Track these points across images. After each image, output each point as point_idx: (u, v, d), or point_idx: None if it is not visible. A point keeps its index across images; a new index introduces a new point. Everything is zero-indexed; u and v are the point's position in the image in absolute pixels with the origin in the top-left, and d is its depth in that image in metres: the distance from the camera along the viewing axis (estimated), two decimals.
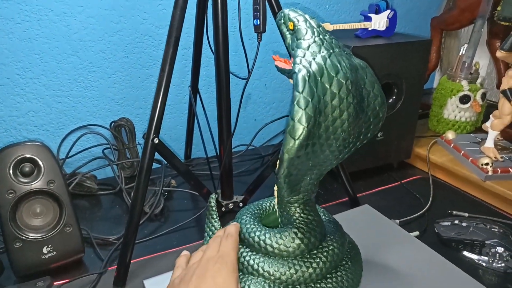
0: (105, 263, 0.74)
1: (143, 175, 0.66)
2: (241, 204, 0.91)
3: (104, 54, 0.98)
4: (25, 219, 0.68)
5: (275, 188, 0.59)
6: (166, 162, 0.95)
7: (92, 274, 0.71)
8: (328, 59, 0.48)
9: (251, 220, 0.61)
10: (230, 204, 0.90)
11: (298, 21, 0.49)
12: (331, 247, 0.58)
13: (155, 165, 0.80)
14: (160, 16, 1.01)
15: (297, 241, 0.55)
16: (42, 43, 0.92)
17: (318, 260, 0.56)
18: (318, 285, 0.55)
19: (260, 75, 1.21)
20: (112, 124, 1.02)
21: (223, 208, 0.89)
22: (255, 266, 0.55)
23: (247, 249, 0.58)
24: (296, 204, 0.58)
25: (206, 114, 0.96)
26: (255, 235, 0.57)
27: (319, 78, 0.47)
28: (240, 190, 0.93)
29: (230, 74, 0.83)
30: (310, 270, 0.55)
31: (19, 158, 0.67)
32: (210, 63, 1.10)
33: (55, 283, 0.69)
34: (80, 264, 0.75)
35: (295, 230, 0.56)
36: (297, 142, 0.46)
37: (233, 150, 1.24)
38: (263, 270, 0.54)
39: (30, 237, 0.68)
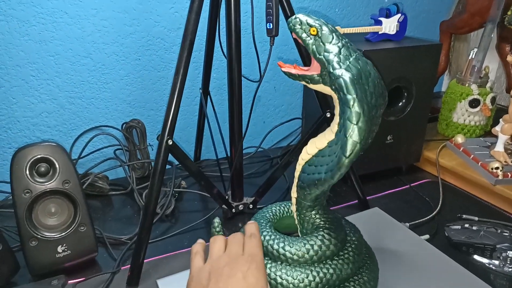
0: (118, 263, 0.75)
1: (157, 175, 0.67)
2: (251, 206, 0.92)
3: (116, 56, 1.00)
4: (40, 218, 0.69)
5: (293, 195, 0.60)
6: (177, 163, 0.96)
7: (105, 273, 0.72)
8: (359, 61, 0.49)
9: (267, 227, 0.61)
10: (241, 206, 0.91)
11: (320, 26, 0.49)
12: (351, 253, 0.59)
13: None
14: (172, 19, 1.02)
15: (324, 247, 0.56)
16: (56, 45, 0.93)
17: (336, 267, 0.56)
18: None
19: (269, 78, 1.22)
20: (124, 126, 1.03)
21: (233, 210, 0.90)
22: (272, 275, 0.55)
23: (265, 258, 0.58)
24: (316, 209, 0.59)
25: (217, 116, 0.98)
26: (274, 243, 0.57)
27: (360, 80, 0.48)
28: (249, 192, 0.94)
29: (242, 78, 0.84)
30: (328, 276, 0.55)
31: (35, 158, 0.68)
32: (221, 66, 1.11)
33: (69, 282, 0.70)
34: (94, 263, 0.76)
35: (321, 236, 0.57)
36: (359, 145, 0.47)
37: (243, 152, 1.25)
38: (281, 279, 0.55)
39: (45, 236, 0.69)
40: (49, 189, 0.69)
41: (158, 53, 1.04)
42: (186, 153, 0.90)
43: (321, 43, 0.49)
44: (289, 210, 0.68)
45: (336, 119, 0.53)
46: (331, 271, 0.56)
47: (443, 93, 1.48)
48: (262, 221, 0.63)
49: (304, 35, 0.50)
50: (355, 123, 0.47)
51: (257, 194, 0.93)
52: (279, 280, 0.55)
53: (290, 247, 0.56)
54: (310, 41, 0.50)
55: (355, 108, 0.47)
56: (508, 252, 0.73)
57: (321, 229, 0.59)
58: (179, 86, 0.67)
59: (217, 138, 0.94)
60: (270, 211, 0.66)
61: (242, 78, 0.84)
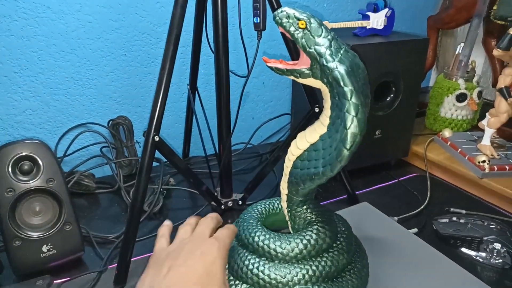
0: (105, 262, 0.73)
1: (144, 173, 0.66)
2: (240, 202, 0.91)
3: (102, 52, 0.98)
4: (24, 217, 0.68)
5: (283, 191, 0.59)
6: (165, 160, 0.95)
7: (92, 272, 0.71)
8: (349, 53, 0.49)
9: (258, 226, 0.60)
10: (230, 202, 0.90)
11: (308, 19, 0.48)
12: (343, 243, 0.59)
13: (153, 164, 0.80)
14: (159, 14, 1.01)
15: (320, 240, 0.57)
16: (39, 41, 0.91)
17: (333, 258, 0.57)
18: None
19: (258, 74, 1.21)
20: (110, 123, 1.02)
21: (222, 206, 0.89)
22: (272, 275, 0.55)
23: (250, 253, 0.58)
24: (307, 204, 0.59)
25: (205, 112, 0.97)
26: (270, 242, 0.57)
27: (353, 72, 0.48)
28: (239, 189, 0.93)
29: (230, 73, 0.83)
30: (327, 268, 0.56)
31: (18, 156, 0.67)
32: (209, 62, 1.10)
33: (54, 281, 0.69)
34: (80, 262, 0.75)
35: (316, 231, 0.57)
36: (359, 136, 0.48)
37: (231, 148, 1.24)
38: (282, 278, 0.54)
39: (29, 235, 0.68)
40: (33, 187, 0.68)
41: (144, 49, 1.02)
42: (174, 149, 0.89)
43: (310, 37, 0.48)
44: (275, 207, 0.67)
45: (327, 112, 0.52)
46: (329, 263, 0.56)
47: (430, 88, 1.49)
48: (251, 221, 0.62)
49: (292, 28, 0.49)
50: (355, 114, 0.47)
51: (246, 191, 0.92)
52: (279, 279, 0.54)
53: (288, 244, 0.56)
54: (299, 34, 0.49)
55: (353, 100, 0.47)
56: (495, 244, 0.73)
57: (314, 224, 0.59)
58: (165, 81, 0.66)
59: (205, 134, 0.94)
60: (256, 209, 0.66)
61: (230, 73, 0.83)
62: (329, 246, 0.58)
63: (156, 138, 0.67)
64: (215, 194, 0.91)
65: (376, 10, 0.96)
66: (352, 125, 0.47)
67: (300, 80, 0.53)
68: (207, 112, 0.95)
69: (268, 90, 1.25)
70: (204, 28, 0.89)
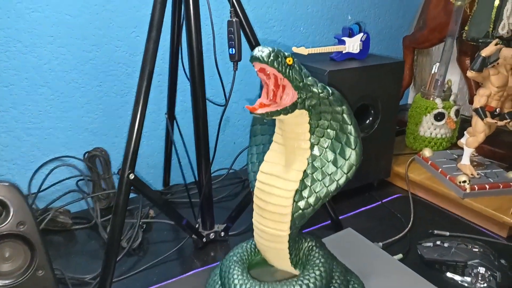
0: None
1: (118, 213, 0.63)
2: (222, 234, 0.89)
3: (76, 83, 0.96)
4: None
5: (281, 233, 0.58)
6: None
7: None
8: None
9: (250, 279, 0.58)
10: (212, 234, 0.88)
11: (290, 54, 0.50)
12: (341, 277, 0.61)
13: (132, 195, 0.77)
14: (134, 44, 1.00)
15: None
16: (11, 75, 0.89)
17: None
18: None
19: (238, 98, 1.20)
20: (86, 155, 0.99)
21: (204, 239, 0.87)
22: None
23: None
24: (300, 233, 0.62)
25: (184, 140, 0.95)
26: None
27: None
28: (221, 217, 0.91)
29: (207, 101, 0.82)
30: None
31: None
32: (187, 89, 1.08)
33: None
34: None
35: (318, 271, 0.59)
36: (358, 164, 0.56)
37: (213, 175, 1.22)
38: None
39: None
40: (3, 232, 0.64)
41: (120, 78, 1.01)
42: (154, 179, 0.87)
43: (298, 70, 0.51)
44: (256, 248, 0.65)
45: (305, 136, 0.56)
46: None
47: (409, 105, 1.51)
48: (234, 265, 0.60)
49: (282, 68, 0.49)
50: (354, 148, 0.56)
51: (229, 219, 0.90)
52: None
53: None
54: (289, 71, 0.50)
55: (353, 123, 0.56)
56: (479, 268, 0.73)
57: (314, 257, 0.62)
58: (139, 116, 0.65)
59: (186, 161, 0.92)
60: (240, 251, 0.64)
61: (208, 101, 0.82)
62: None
63: (131, 176, 0.65)
64: (197, 226, 0.89)
65: (351, 35, 0.97)
66: (351, 157, 0.56)
67: (284, 117, 0.53)
68: (186, 139, 0.93)
69: (249, 115, 1.24)
70: (180, 56, 0.89)
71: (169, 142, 1.07)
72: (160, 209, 0.76)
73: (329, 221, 0.94)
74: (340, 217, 0.96)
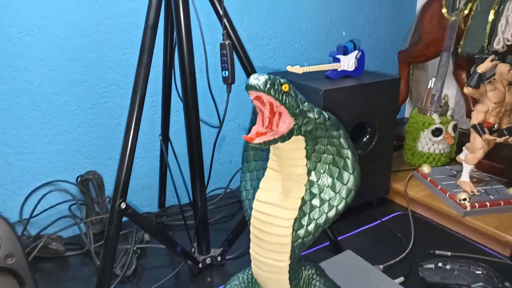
0: None
1: (109, 243, 0.61)
2: (219, 258, 0.87)
3: (68, 106, 0.94)
4: None
5: (281, 264, 0.57)
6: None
7: None
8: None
9: None
10: (208, 259, 0.86)
11: (285, 80, 0.49)
12: None
13: (125, 218, 0.75)
14: (127, 65, 0.98)
15: None
16: (1, 100, 0.87)
17: None
18: None
19: (233, 116, 1.19)
20: (79, 179, 0.97)
21: (200, 265, 0.84)
22: None
23: None
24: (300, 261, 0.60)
25: (179, 162, 0.93)
26: None
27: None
28: (219, 239, 0.89)
29: (201, 122, 0.80)
30: None
31: None
32: (181, 108, 1.07)
33: None
34: None
35: None
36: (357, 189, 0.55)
37: (209, 195, 1.20)
38: None
39: None
40: None
41: (113, 100, 0.99)
42: (148, 200, 0.85)
43: (294, 97, 0.50)
44: (253, 279, 0.63)
45: (301, 161, 0.55)
46: None
47: (406, 119, 1.50)
48: None
49: (278, 95, 0.49)
50: (352, 172, 0.55)
51: (226, 243, 0.88)
52: None
53: None
54: (286, 98, 0.49)
55: (351, 147, 0.55)
56: None
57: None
58: (130, 144, 0.63)
59: (181, 183, 0.90)
60: (239, 282, 0.62)
61: (201, 122, 0.81)
62: None
63: (123, 205, 0.63)
64: (193, 250, 0.87)
65: (346, 52, 0.96)
66: (349, 182, 0.55)
67: (280, 144, 0.51)
68: (181, 160, 0.92)
69: (245, 132, 1.22)
70: (173, 77, 0.88)
71: (163, 163, 1.05)
72: (153, 237, 0.74)
73: (328, 242, 0.92)
74: (339, 238, 0.94)
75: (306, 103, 0.53)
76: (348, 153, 0.56)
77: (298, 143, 0.55)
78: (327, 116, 0.54)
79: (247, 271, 0.65)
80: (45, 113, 0.92)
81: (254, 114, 0.57)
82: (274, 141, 0.50)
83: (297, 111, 0.51)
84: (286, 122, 0.51)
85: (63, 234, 0.95)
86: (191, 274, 0.85)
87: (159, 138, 1.03)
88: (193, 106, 0.75)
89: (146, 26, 0.64)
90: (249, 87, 0.48)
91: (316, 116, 0.53)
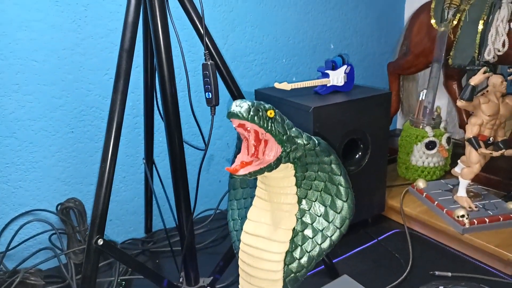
0: None
1: (87, 284, 0.56)
2: None
3: (45, 132, 0.90)
4: None
5: None
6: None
7: None
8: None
9: None
10: None
11: (270, 106, 0.47)
12: None
13: None
14: (107, 86, 0.94)
15: None
16: None
17: None
18: None
19: (221, 135, 1.15)
20: (59, 207, 0.92)
21: None
22: None
23: None
24: None
25: (163, 185, 0.89)
26: None
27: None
28: (210, 264, 0.85)
29: (186, 144, 0.76)
30: None
31: None
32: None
33: None
34: None
35: None
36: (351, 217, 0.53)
37: (199, 217, 1.16)
38: None
39: None
40: None
41: (93, 123, 0.95)
42: (134, 226, 0.80)
43: (280, 122, 0.47)
44: None
45: (291, 190, 0.52)
46: None
47: (398, 130, 1.47)
48: None
49: (263, 122, 0.45)
50: (345, 200, 0.52)
51: (216, 271, 0.83)
52: None
53: None
54: (272, 125, 0.46)
55: (344, 174, 0.52)
56: None
57: None
58: (107, 174, 0.59)
59: (167, 207, 0.85)
60: None
61: (185, 144, 0.77)
62: None
63: (100, 242, 0.58)
64: (181, 280, 0.82)
65: (334, 67, 0.93)
66: (343, 209, 0.52)
67: (269, 174, 0.48)
68: (167, 182, 0.87)
69: (233, 150, 1.19)
70: (155, 99, 0.84)
71: (148, 187, 1.01)
72: (136, 272, 0.69)
73: (323, 266, 0.88)
74: (334, 260, 0.90)
75: (294, 129, 0.49)
76: (340, 179, 0.52)
77: (286, 170, 0.51)
78: (317, 142, 0.50)
79: None
80: (21, 140, 0.87)
81: (239, 139, 0.53)
82: (261, 171, 0.47)
83: (284, 138, 0.48)
84: (273, 150, 0.48)
85: (43, 266, 0.89)
86: None
87: (142, 161, 0.98)
88: (175, 128, 0.71)
89: (121, 49, 0.61)
90: (230, 115, 0.44)
91: (305, 142, 0.49)
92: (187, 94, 0.81)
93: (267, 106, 0.46)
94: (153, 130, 0.92)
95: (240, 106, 0.44)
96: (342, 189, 0.52)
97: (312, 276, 0.87)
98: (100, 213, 0.58)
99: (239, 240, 0.55)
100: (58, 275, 0.89)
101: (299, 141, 0.49)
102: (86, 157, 0.96)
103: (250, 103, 0.45)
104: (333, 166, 0.52)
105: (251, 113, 0.44)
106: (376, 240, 0.98)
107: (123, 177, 1.02)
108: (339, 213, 0.53)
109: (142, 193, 1.04)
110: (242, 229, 0.55)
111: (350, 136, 0.93)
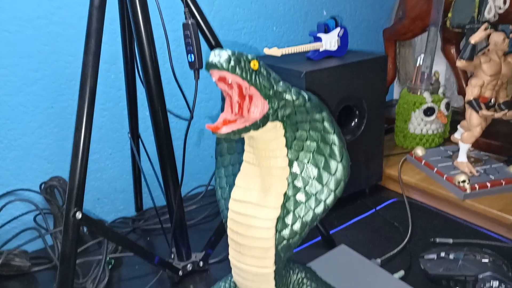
0: None
1: (65, 264, 0.53)
2: (201, 264, 0.79)
3: (24, 107, 0.85)
4: None
5: (266, 271, 0.49)
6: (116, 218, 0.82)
7: None
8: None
9: None
10: (189, 265, 0.78)
11: (254, 56, 0.42)
12: None
13: None
14: None
15: None
16: None
17: None
18: None
19: (210, 109, 1.10)
20: (43, 186, 0.88)
21: (180, 272, 0.76)
22: None
23: None
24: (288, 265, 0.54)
25: (151, 160, 0.86)
26: None
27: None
28: (202, 241, 0.81)
29: (170, 114, 0.72)
30: None
31: None
32: None
33: None
34: None
35: None
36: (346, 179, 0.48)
37: (190, 194, 1.13)
38: None
39: None
40: None
41: (74, 97, 0.87)
42: (124, 204, 0.76)
43: (265, 76, 0.43)
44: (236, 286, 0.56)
45: (281, 152, 0.48)
46: None
47: (395, 101, 1.43)
48: None
49: (246, 74, 0.40)
50: (340, 160, 0.48)
51: (208, 246, 0.80)
52: None
53: None
54: (257, 77, 0.41)
55: (338, 133, 0.48)
56: (492, 282, 0.64)
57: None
58: (82, 145, 0.55)
59: (156, 184, 0.82)
60: None
61: (171, 115, 0.73)
62: None
63: (78, 215, 0.54)
64: (172, 256, 0.79)
65: (327, 30, 0.88)
66: (338, 172, 0.48)
67: (254, 133, 0.43)
68: (154, 158, 0.83)
69: None
70: (136, 68, 0.79)
71: (136, 164, 0.97)
72: (123, 247, 0.66)
73: (319, 237, 0.85)
74: (331, 232, 0.87)
75: (281, 83, 0.45)
76: (334, 138, 0.48)
77: (275, 130, 0.47)
78: (307, 97, 0.46)
79: (229, 278, 0.57)
80: None
81: (223, 100, 0.49)
82: (246, 129, 0.42)
83: (270, 92, 0.43)
84: (258, 107, 0.43)
85: (28, 248, 0.86)
86: (171, 283, 0.77)
87: (128, 136, 0.94)
88: (157, 96, 0.66)
89: (91, 6, 0.55)
90: (209, 66, 0.40)
91: (294, 98, 0.45)
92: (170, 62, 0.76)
93: (249, 56, 0.42)
94: (136, 102, 0.87)
95: (219, 56, 0.40)
96: (336, 148, 0.48)
97: (309, 248, 0.84)
98: (77, 185, 0.54)
99: (227, 209, 0.51)
100: (45, 256, 0.86)
101: (287, 96, 0.44)
102: (69, 133, 0.91)
103: (230, 52, 0.40)
104: (326, 123, 0.48)
105: (232, 63, 0.40)
106: (374, 210, 0.95)
107: (109, 154, 0.98)
108: (333, 174, 0.49)
109: (130, 171, 1.00)
110: (230, 197, 0.51)
111: (345, 103, 0.89)
